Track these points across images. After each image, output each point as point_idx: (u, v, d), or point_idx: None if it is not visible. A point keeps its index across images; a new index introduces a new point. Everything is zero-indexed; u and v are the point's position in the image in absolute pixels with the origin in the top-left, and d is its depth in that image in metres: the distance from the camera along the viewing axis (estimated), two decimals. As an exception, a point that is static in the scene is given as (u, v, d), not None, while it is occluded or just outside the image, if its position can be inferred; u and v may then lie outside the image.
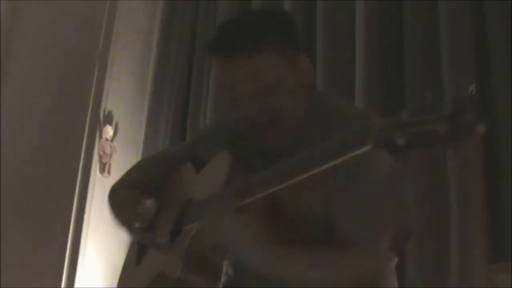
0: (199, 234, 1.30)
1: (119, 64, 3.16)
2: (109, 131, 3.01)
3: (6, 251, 2.94)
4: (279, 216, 1.31)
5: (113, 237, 2.83)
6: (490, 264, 1.90)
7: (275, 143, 1.37)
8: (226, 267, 1.43)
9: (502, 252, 1.90)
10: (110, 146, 3.01)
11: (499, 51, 2.07)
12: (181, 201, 1.45)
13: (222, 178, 1.34)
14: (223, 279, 1.41)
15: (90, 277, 2.83)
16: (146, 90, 3.19)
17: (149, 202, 1.45)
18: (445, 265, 1.96)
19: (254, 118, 1.35)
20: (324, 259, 1.30)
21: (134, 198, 1.48)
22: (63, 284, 2.78)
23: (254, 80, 1.33)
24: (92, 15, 3.27)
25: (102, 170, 2.95)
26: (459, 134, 0.92)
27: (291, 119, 1.36)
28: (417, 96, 2.15)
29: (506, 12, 2.08)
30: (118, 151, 3.03)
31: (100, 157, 2.97)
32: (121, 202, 1.51)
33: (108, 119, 3.05)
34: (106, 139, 3.00)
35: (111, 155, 2.99)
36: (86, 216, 2.86)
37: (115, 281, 1.57)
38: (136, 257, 1.56)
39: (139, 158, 3.01)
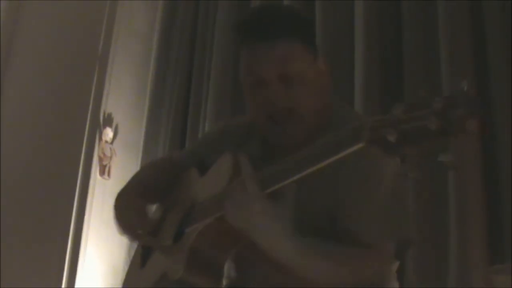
0: (223, 219, 1.28)
1: (119, 66, 3.16)
2: (109, 133, 3.02)
3: (7, 252, 2.94)
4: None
5: (113, 238, 2.83)
6: (490, 266, 1.90)
7: (288, 140, 1.37)
8: (227, 270, 1.44)
9: (501, 254, 1.91)
10: (110, 148, 3.01)
11: (498, 51, 2.06)
12: (185, 204, 1.46)
13: (225, 181, 1.34)
14: (224, 281, 1.42)
15: (91, 278, 2.84)
16: (146, 92, 3.19)
17: (152, 209, 1.46)
18: (444, 267, 1.96)
19: (274, 105, 1.35)
20: (345, 256, 1.30)
21: (138, 207, 1.49)
22: (63, 285, 2.79)
23: (279, 65, 1.34)
24: (92, 17, 3.27)
25: (102, 172, 2.96)
26: (450, 130, 0.92)
27: (307, 114, 1.36)
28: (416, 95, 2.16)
29: (505, 12, 2.08)
30: (118, 153, 3.03)
31: (100, 159, 2.97)
32: (125, 210, 1.52)
33: (108, 121, 3.06)
34: (106, 141, 3.00)
35: (111, 157, 3.00)
36: (86, 217, 2.87)
37: (115, 282, 1.58)
38: (140, 261, 1.57)
39: (139, 160, 3.02)
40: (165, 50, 3.21)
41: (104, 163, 2.97)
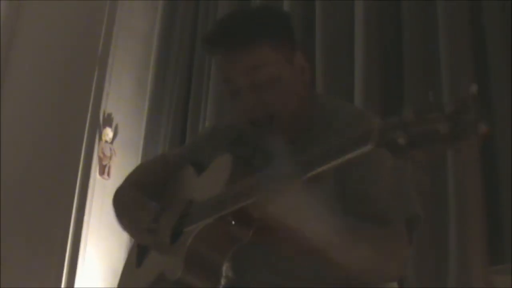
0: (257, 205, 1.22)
1: (119, 66, 3.16)
2: (108, 133, 3.02)
3: (7, 252, 2.94)
4: None
5: (113, 239, 2.83)
6: (490, 266, 1.90)
7: (274, 141, 1.37)
8: (225, 270, 1.43)
9: (501, 254, 1.90)
10: (110, 148, 3.01)
11: (498, 51, 2.06)
12: (182, 203, 1.45)
13: (223, 181, 1.34)
14: (222, 281, 1.42)
15: (90, 278, 2.84)
16: (146, 92, 3.19)
17: (152, 205, 1.46)
18: (444, 267, 1.96)
19: (252, 113, 1.36)
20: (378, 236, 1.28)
21: (138, 201, 1.48)
22: (63, 285, 2.79)
23: (250, 74, 1.34)
24: (92, 17, 3.27)
25: (102, 172, 2.96)
26: (461, 134, 0.92)
27: (287, 115, 1.37)
28: (419, 95, 2.15)
29: (505, 12, 2.08)
30: (118, 153, 3.03)
31: (100, 159, 2.97)
32: (125, 205, 1.52)
33: (108, 121, 3.06)
34: (106, 141, 3.00)
35: (110, 157, 3.00)
36: (86, 218, 2.87)
37: (115, 282, 1.57)
38: (136, 260, 1.56)
39: (139, 160, 3.02)
40: (165, 50, 3.21)
41: (104, 163, 2.97)
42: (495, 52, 2.07)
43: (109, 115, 3.07)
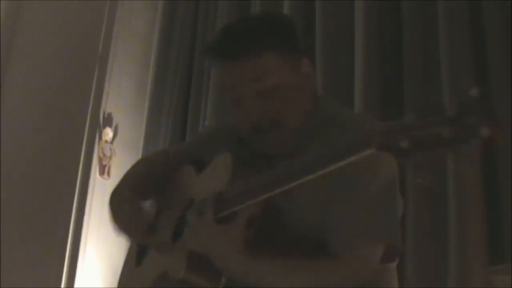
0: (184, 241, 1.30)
1: (119, 66, 3.16)
2: (109, 133, 3.02)
3: (7, 252, 2.94)
4: (268, 226, 1.30)
5: (113, 238, 2.82)
6: (490, 266, 1.90)
7: (276, 147, 1.38)
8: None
9: (501, 254, 1.90)
10: (110, 148, 3.01)
11: (498, 51, 2.06)
12: (183, 202, 1.45)
13: (224, 180, 1.34)
14: (224, 279, 1.42)
15: (90, 278, 2.84)
16: (146, 91, 3.19)
17: (148, 206, 1.46)
18: (444, 267, 1.96)
19: (255, 122, 1.36)
20: (311, 269, 1.29)
21: (133, 206, 1.48)
22: (62, 285, 2.79)
23: (255, 83, 1.34)
24: (92, 17, 3.27)
25: (102, 172, 2.96)
26: (463, 137, 0.92)
27: (292, 123, 1.37)
28: (419, 96, 2.15)
29: (505, 12, 2.08)
30: (118, 153, 3.03)
31: (100, 159, 2.97)
32: (120, 210, 1.51)
33: (108, 121, 3.06)
34: (106, 141, 3.00)
35: (111, 157, 3.00)
36: (86, 217, 2.87)
37: (115, 282, 1.57)
38: (135, 259, 1.56)
39: (139, 160, 3.02)
40: (165, 50, 3.21)
41: (104, 163, 2.97)
42: (495, 52, 2.07)
43: (109, 115, 3.07)
